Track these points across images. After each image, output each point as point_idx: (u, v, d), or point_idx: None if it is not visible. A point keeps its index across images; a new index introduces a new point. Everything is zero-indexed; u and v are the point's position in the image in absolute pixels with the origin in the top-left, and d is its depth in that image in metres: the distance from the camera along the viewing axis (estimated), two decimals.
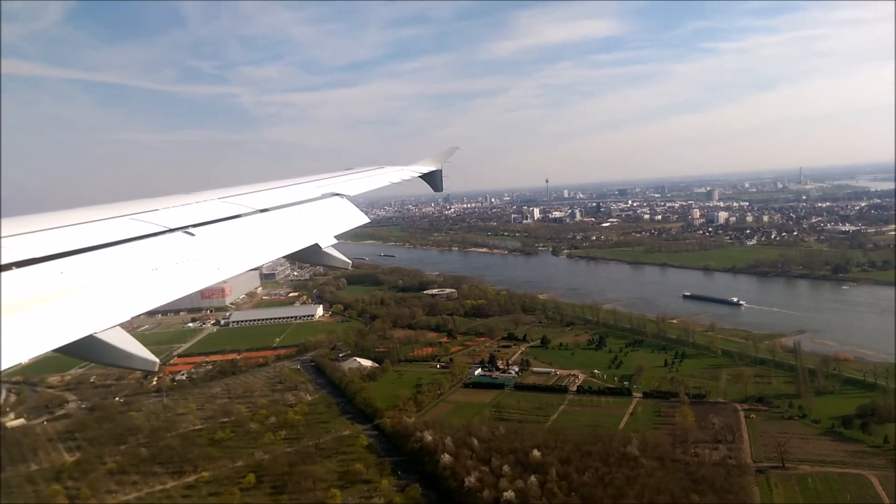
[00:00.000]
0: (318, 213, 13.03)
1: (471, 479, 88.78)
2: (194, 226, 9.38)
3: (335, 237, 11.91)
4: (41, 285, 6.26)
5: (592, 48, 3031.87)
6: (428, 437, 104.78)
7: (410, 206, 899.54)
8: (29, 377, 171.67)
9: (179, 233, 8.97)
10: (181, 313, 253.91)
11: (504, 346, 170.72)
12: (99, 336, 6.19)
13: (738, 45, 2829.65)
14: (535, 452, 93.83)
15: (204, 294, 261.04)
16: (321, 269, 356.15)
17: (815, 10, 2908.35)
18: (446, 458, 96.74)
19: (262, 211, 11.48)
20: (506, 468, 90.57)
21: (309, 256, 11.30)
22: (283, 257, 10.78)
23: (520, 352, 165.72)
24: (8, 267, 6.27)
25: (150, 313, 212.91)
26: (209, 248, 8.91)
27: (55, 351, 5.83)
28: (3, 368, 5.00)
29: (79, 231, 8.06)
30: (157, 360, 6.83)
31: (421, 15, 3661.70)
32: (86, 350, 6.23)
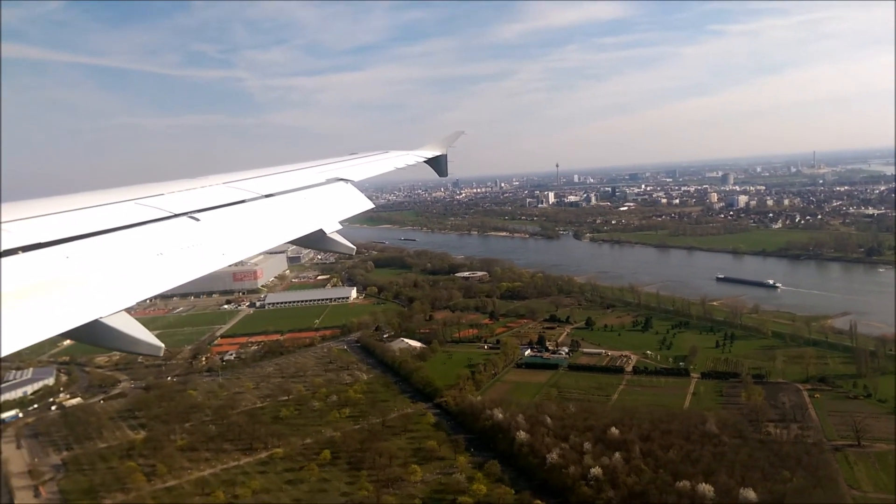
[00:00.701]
0: (322, 198, 12.99)
1: (553, 456, 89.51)
2: (199, 211, 9.37)
3: (340, 222, 11.94)
4: (47, 270, 6.24)
5: (599, 31, 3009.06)
6: (498, 415, 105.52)
7: (420, 191, 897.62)
8: (74, 358, 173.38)
9: (184, 218, 8.95)
10: (214, 295, 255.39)
11: (549, 328, 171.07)
12: (105, 321, 6.17)
13: (746, 27, 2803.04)
14: (613, 430, 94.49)
15: (236, 276, 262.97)
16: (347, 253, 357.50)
17: None
18: (522, 435, 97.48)
19: (267, 196, 11.44)
20: (587, 445, 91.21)
21: (314, 242, 11.28)
22: (288, 242, 10.69)
23: (565, 333, 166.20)
24: (14, 251, 6.27)
25: (184, 295, 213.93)
26: (214, 233, 8.90)
27: (61, 335, 5.81)
28: (11, 351, 5.02)
29: (84, 216, 8.04)
30: (163, 345, 6.77)
31: None
32: (92, 335, 6.20)
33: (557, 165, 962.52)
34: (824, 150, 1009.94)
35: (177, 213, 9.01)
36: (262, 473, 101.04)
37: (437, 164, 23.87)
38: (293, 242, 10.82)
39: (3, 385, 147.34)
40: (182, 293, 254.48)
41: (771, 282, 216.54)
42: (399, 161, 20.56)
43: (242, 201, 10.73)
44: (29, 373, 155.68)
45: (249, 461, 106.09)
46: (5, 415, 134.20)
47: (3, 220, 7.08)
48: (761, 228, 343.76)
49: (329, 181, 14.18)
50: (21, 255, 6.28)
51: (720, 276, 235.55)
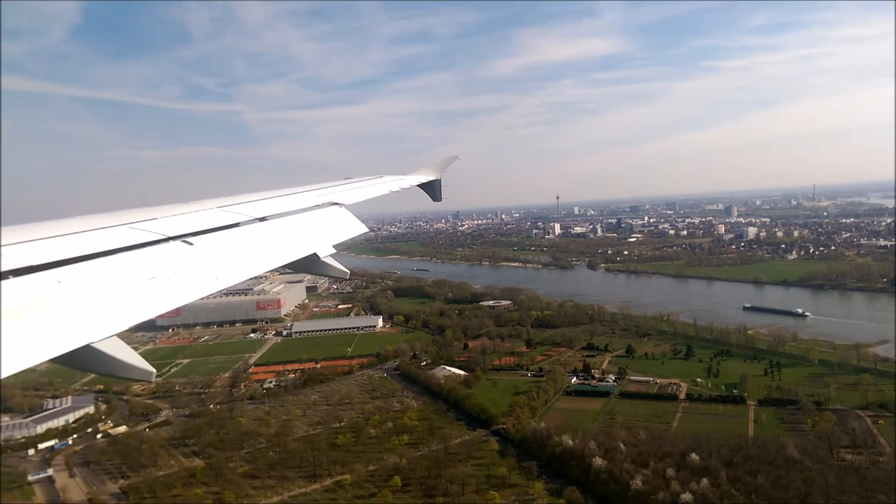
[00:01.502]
0: (316, 222, 13.00)
1: (637, 482, 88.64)
2: (193, 234, 9.34)
3: (340, 249, 12.00)
4: (39, 294, 6.16)
5: (594, 66, 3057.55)
6: (568, 441, 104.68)
7: (421, 223, 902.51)
8: (110, 386, 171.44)
9: (178, 241, 8.90)
10: (237, 324, 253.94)
11: (589, 356, 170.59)
12: (96, 346, 6.10)
13: (739, 63, 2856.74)
14: (693, 456, 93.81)
15: (259, 305, 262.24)
16: (363, 282, 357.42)
17: (817, 28, 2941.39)
18: (598, 461, 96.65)
19: (261, 220, 11.42)
20: (670, 471, 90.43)
21: (307, 266, 11.22)
22: (282, 266, 10.57)
23: (606, 361, 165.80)
24: (6, 275, 6.19)
25: (206, 324, 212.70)
26: (207, 257, 8.83)
27: (53, 360, 5.72)
28: (2, 376, 4.94)
29: (77, 240, 7.97)
30: (154, 371, 6.70)
31: (424, 32, 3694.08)
32: (83, 360, 6.11)
33: (558, 197, 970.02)
34: (820, 183, 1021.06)
35: (170, 236, 8.97)
36: (331, 501, 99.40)
37: (432, 188, 23.95)
38: (287, 266, 10.69)
39: (43, 414, 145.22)
40: (205, 322, 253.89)
41: (800, 311, 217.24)
42: (393, 185, 20.66)
43: (236, 225, 10.68)
44: (68, 401, 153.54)
45: (316, 488, 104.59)
46: (50, 443, 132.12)
47: (3, 243, 7.02)
48: (776, 259, 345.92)
49: (323, 205, 14.20)
50: (13, 280, 6.19)
51: (747, 305, 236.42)
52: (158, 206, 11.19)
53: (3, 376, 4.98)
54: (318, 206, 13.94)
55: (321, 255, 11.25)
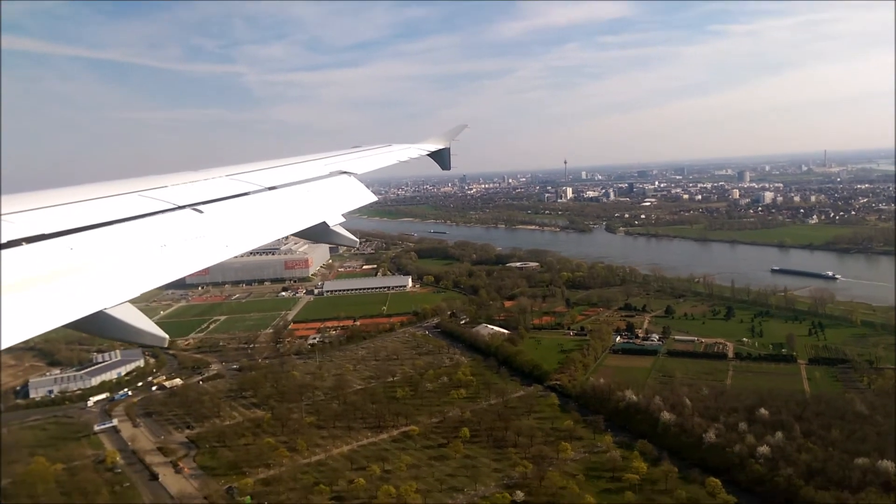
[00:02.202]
0: (326, 191, 13.06)
1: (710, 436, 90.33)
2: (203, 203, 9.41)
3: (347, 214, 12.07)
4: (51, 261, 6.25)
5: (599, 30, 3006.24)
6: (632, 396, 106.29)
7: (428, 186, 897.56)
8: None
9: (188, 210, 9.00)
10: (265, 283, 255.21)
11: (628, 317, 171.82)
12: (109, 312, 6.19)
13: (746, 27, 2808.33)
14: (763, 411, 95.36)
15: (288, 265, 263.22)
16: (383, 244, 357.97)
17: None
18: (666, 415, 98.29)
19: (271, 189, 11.46)
20: (742, 426, 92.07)
21: (317, 234, 11.34)
22: (292, 235, 10.78)
23: (647, 321, 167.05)
24: (18, 242, 6.26)
25: (235, 282, 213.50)
26: (217, 225, 8.94)
27: (66, 326, 5.82)
28: (14, 342, 5.04)
29: (88, 207, 8.07)
30: (167, 336, 6.78)
31: None
32: (97, 325, 6.21)
33: (566, 162, 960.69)
34: (829, 150, 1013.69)
35: (180, 205, 9.06)
36: (402, 450, 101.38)
37: (441, 157, 24.06)
38: (297, 235, 10.89)
39: (95, 367, 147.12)
40: (234, 280, 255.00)
41: (830, 273, 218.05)
42: (402, 154, 20.70)
43: (246, 194, 10.75)
44: (117, 355, 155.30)
45: (384, 438, 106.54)
46: (101, 396, 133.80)
47: (5, 211, 7.08)
48: (797, 224, 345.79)
49: (332, 174, 14.25)
50: (25, 247, 6.28)
51: (775, 267, 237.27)
52: (168, 175, 11.28)
53: (20, 340, 5.09)
54: (328, 176, 14.03)
55: (330, 223, 11.34)
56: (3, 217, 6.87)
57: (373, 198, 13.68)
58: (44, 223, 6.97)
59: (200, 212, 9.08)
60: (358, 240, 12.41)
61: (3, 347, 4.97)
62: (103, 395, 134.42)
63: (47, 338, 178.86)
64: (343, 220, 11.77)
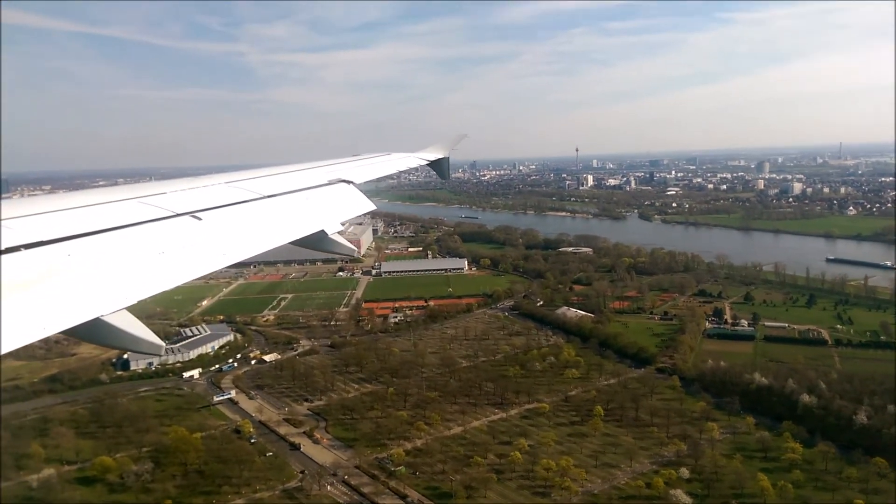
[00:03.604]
0: (324, 199, 13.08)
1: (861, 417, 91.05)
2: (201, 210, 9.44)
3: (341, 223, 12.06)
4: (49, 267, 6.23)
5: (607, 15, 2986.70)
6: (762, 379, 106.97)
7: None
8: (231, 315, 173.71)
9: (187, 217, 9.01)
10: (317, 263, 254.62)
11: (705, 302, 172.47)
12: (106, 319, 6.16)
13: (754, 15, 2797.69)
14: None
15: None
16: (422, 227, 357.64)
17: None
18: (806, 398, 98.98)
19: (269, 196, 11.55)
20: (890, 408, 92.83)
21: (315, 243, 11.28)
22: (290, 243, 10.65)
23: (727, 307, 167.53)
24: (17, 248, 6.24)
25: (286, 262, 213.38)
26: (216, 232, 8.96)
27: (63, 333, 5.76)
28: (12, 348, 5.02)
29: (87, 214, 8.08)
30: (164, 344, 6.80)
31: None
32: (93, 333, 6.17)
33: (577, 150, 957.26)
34: (833, 142, 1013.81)
35: (179, 212, 9.08)
36: (536, 427, 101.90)
37: (440, 166, 24.08)
38: (294, 243, 10.79)
39: (188, 340, 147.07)
40: (285, 259, 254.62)
41: (888, 263, 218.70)
42: (401, 164, 20.94)
43: (244, 201, 10.82)
44: (205, 329, 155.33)
45: (513, 414, 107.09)
46: (194, 372, 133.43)
47: (4, 217, 7.07)
48: (835, 214, 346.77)
49: (331, 182, 14.30)
50: (23, 252, 6.26)
51: (830, 257, 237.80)
52: (167, 181, 11.47)
53: (16, 347, 5.06)
54: (326, 184, 14.08)
55: (329, 231, 11.33)
56: (2, 223, 6.84)
57: (372, 206, 13.82)
58: (42, 229, 6.94)
59: (199, 219, 9.10)
60: (356, 248, 12.57)
61: (2, 353, 4.94)
62: (197, 370, 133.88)
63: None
64: (341, 227, 11.89)
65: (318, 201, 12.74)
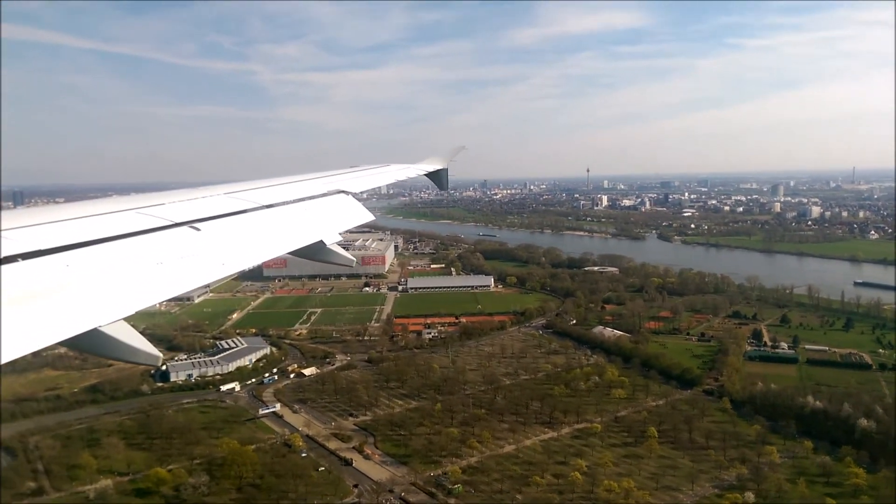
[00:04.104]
0: (323, 209, 13.13)
1: None
2: (200, 220, 9.42)
3: (340, 234, 12.04)
4: (47, 278, 6.19)
5: (614, 39, 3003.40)
6: (816, 402, 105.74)
7: (451, 190, 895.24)
8: (265, 328, 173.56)
9: (185, 227, 8.99)
10: (342, 278, 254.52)
11: (741, 324, 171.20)
12: (103, 330, 6.12)
13: (763, 42, 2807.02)
14: None
15: (364, 260, 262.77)
16: (441, 244, 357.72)
17: (844, 9, 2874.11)
18: (864, 422, 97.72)
19: (268, 207, 11.55)
20: None
21: (313, 253, 11.25)
22: (288, 254, 10.71)
23: (763, 329, 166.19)
24: (14, 258, 6.19)
25: (311, 276, 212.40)
26: (214, 243, 8.93)
27: (60, 344, 5.67)
28: (6, 360, 4.90)
29: (85, 224, 8.04)
30: (161, 355, 6.77)
31: None
32: (90, 343, 6.12)
33: (588, 171, 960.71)
34: (846, 167, 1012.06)
35: (177, 222, 9.04)
36: (588, 447, 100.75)
37: (438, 177, 23.96)
38: (293, 253, 10.78)
39: (226, 353, 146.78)
40: (310, 274, 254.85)
41: None
42: (400, 174, 20.81)
43: (243, 211, 10.78)
44: (240, 342, 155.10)
45: (564, 434, 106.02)
46: (231, 385, 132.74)
47: (4, 227, 7.02)
48: (857, 238, 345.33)
49: (330, 193, 14.31)
50: (21, 263, 6.22)
51: (858, 280, 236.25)
52: (166, 192, 11.39)
53: (9, 359, 4.94)
54: (325, 194, 14.08)
55: (327, 242, 11.29)
56: (1, 233, 6.78)
57: (370, 217, 13.79)
58: (41, 239, 6.90)
59: (198, 229, 9.08)
60: (354, 259, 12.58)
61: (1, 363, 4.88)
62: (236, 383, 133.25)
63: (157, 323, 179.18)
64: (340, 238, 11.84)
65: (317, 212, 12.88)
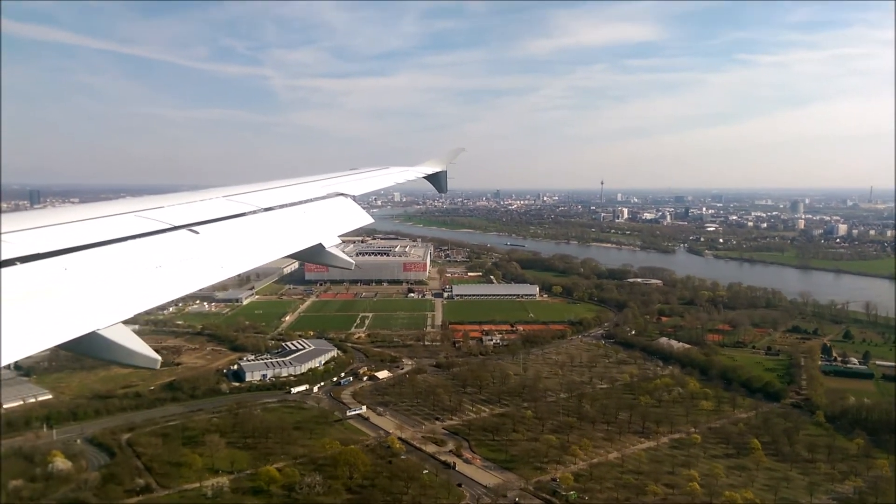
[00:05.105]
0: (322, 212, 13.07)
1: None
2: (199, 223, 9.37)
3: (339, 237, 11.92)
4: (45, 281, 6.16)
5: (627, 52, 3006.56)
6: None
7: (463, 199, 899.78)
8: (325, 331, 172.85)
9: (184, 230, 8.95)
10: (383, 283, 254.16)
11: (804, 339, 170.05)
12: (102, 333, 6.08)
13: (775, 58, 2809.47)
14: None
15: (406, 266, 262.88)
16: (473, 252, 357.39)
17: (859, 27, 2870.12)
18: None
19: (267, 209, 11.50)
20: None
21: (312, 256, 11.19)
22: (287, 256, 10.65)
23: (827, 344, 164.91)
24: (12, 262, 6.16)
25: (353, 281, 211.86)
26: (213, 246, 8.90)
27: (58, 347, 5.67)
28: (5, 364, 4.85)
29: (84, 227, 7.99)
30: (159, 358, 6.69)
31: (458, 8, 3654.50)
32: (89, 347, 6.08)
33: (602, 183, 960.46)
34: (860, 186, 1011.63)
35: (176, 225, 9.00)
36: (690, 457, 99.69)
37: (437, 180, 23.89)
38: (292, 256, 10.73)
39: (295, 355, 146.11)
40: (351, 279, 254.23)
41: None
42: (399, 177, 20.84)
43: (242, 214, 10.72)
44: (306, 343, 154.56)
45: (662, 444, 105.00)
46: (301, 388, 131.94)
47: (4, 230, 6.97)
48: (891, 256, 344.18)
49: (329, 195, 14.23)
50: (19, 266, 6.18)
51: None
52: (165, 195, 11.42)
53: (7, 362, 4.91)
54: (324, 197, 14.02)
55: (326, 244, 11.23)
56: (1, 236, 6.76)
57: (369, 219, 13.68)
58: (40, 242, 6.88)
59: (196, 232, 9.06)
60: (353, 262, 12.51)
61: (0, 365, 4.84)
62: (305, 385, 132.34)
63: (216, 324, 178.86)
64: (339, 241, 11.76)
65: (316, 214, 12.83)
